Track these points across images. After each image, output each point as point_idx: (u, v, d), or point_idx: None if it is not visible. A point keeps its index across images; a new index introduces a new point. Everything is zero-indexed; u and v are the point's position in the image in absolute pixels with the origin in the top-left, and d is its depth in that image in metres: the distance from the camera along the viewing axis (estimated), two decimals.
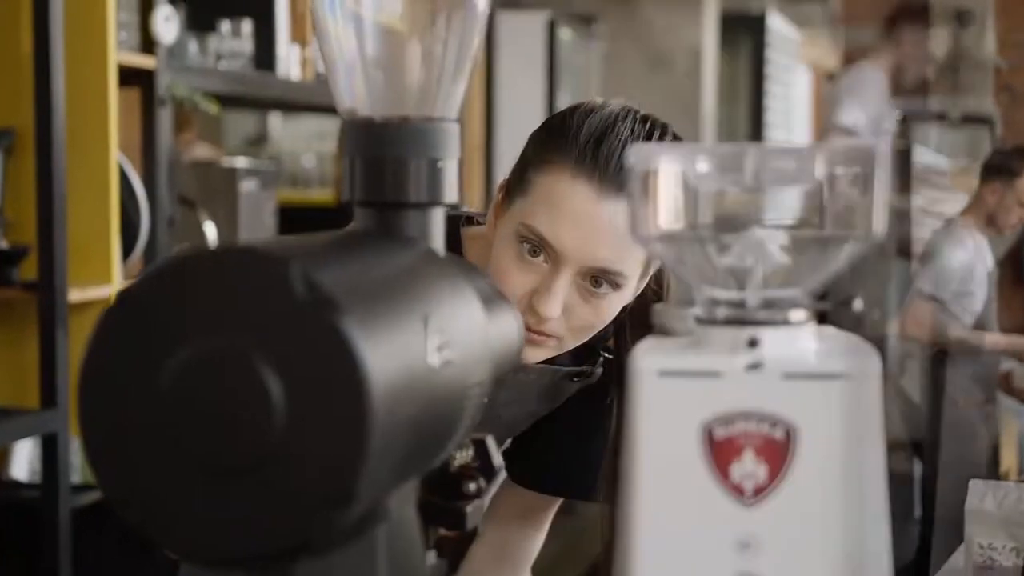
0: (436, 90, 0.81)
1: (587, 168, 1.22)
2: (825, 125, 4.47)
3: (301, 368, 0.60)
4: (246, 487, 0.60)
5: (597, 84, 5.06)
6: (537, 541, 1.52)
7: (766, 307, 0.70)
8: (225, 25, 2.93)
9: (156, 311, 0.61)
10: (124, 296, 0.61)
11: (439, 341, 0.68)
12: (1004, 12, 9.45)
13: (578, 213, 1.21)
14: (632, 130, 1.25)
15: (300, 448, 0.60)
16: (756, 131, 7.29)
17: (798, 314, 0.70)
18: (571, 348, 1.29)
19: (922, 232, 4.09)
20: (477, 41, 0.83)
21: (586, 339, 1.29)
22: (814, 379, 0.66)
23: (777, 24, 7.43)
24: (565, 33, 5.16)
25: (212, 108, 2.64)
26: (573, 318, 1.25)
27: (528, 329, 1.24)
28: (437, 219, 0.81)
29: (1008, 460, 4.03)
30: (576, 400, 1.42)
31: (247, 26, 2.93)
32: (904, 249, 4.23)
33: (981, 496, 1.91)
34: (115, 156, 2.42)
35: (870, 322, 4.10)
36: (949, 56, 8.81)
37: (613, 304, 1.26)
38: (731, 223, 0.71)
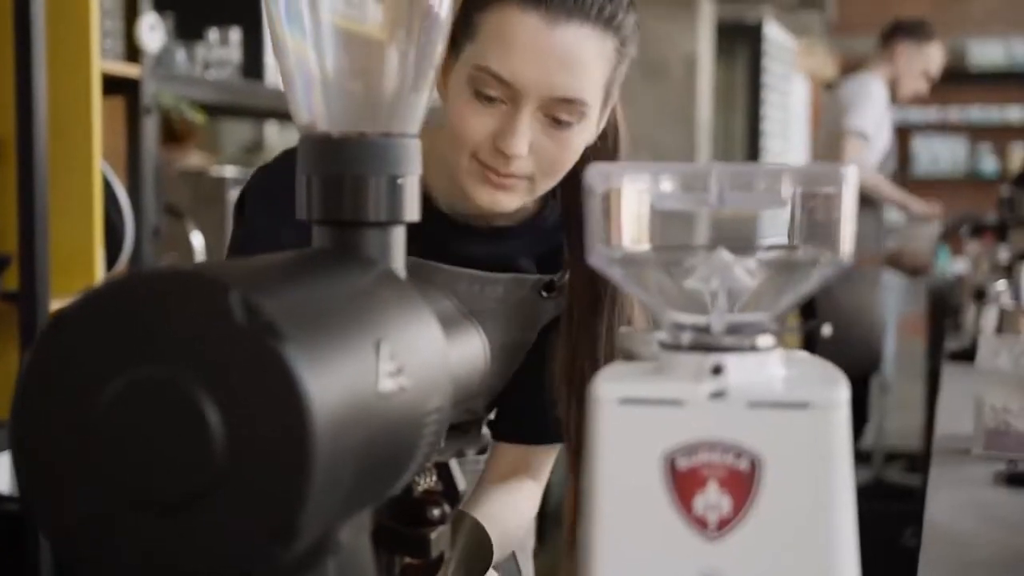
0: (396, 105, 0.78)
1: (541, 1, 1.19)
2: (831, 129, 4.46)
3: (241, 397, 0.57)
4: (184, 520, 0.58)
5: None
6: (536, 496, 1.47)
7: (732, 332, 0.67)
8: (213, 33, 2.91)
9: (92, 335, 0.59)
10: (60, 319, 0.59)
11: (392, 367, 0.66)
12: None
13: (531, 44, 1.18)
14: None
15: (240, 480, 0.57)
16: (753, 140, 7.27)
17: (765, 339, 0.67)
18: (543, 190, 1.27)
19: None
20: (439, 51, 0.81)
21: (556, 179, 1.26)
22: (780, 408, 0.64)
23: (774, 33, 7.41)
24: None
25: (198, 117, 2.62)
26: (540, 155, 1.23)
27: (497, 173, 1.23)
28: (398, 237, 0.79)
29: None
30: (545, 341, 1.40)
31: (235, 34, 2.91)
32: None
33: (994, 352, 1.76)
34: (99, 165, 2.39)
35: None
36: None
37: (578, 137, 1.24)
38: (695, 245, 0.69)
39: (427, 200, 1.33)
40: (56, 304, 2.31)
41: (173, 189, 2.90)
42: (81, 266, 2.36)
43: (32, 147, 2.26)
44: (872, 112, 4.42)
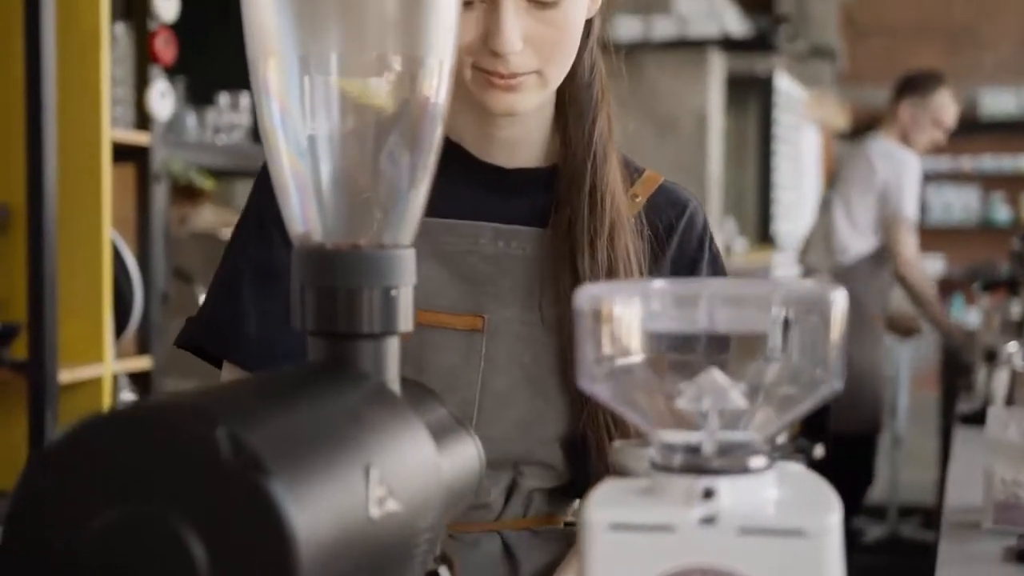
0: (390, 215, 0.79)
1: None
2: (886, 215, 4.39)
3: (227, 534, 0.57)
4: None
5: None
6: None
7: (723, 453, 0.67)
8: (224, 98, 2.93)
9: (78, 472, 0.58)
10: (44, 456, 0.59)
11: (382, 491, 0.65)
12: None
13: None
14: None
15: None
16: (764, 191, 7.28)
17: (757, 461, 0.67)
18: (557, 80, 1.20)
19: None
20: (431, 162, 0.81)
21: (565, 65, 1.20)
22: (772, 535, 0.63)
23: (784, 84, 7.43)
24: None
25: (207, 184, 2.63)
26: (538, 44, 1.17)
27: (501, 76, 1.17)
28: (392, 349, 0.79)
29: None
30: None
31: (245, 99, 2.93)
32: None
33: (1002, 424, 1.73)
34: (108, 233, 2.40)
35: None
36: None
37: (572, 13, 1.18)
38: (688, 363, 0.69)
39: (459, 149, 1.28)
40: (65, 374, 2.31)
41: (184, 251, 2.91)
42: (90, 335, 2.37)
43: (42, 216, 2.27)
44: (917, 192, 4.47)
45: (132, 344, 2.58)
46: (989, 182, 9.90)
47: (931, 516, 5.13)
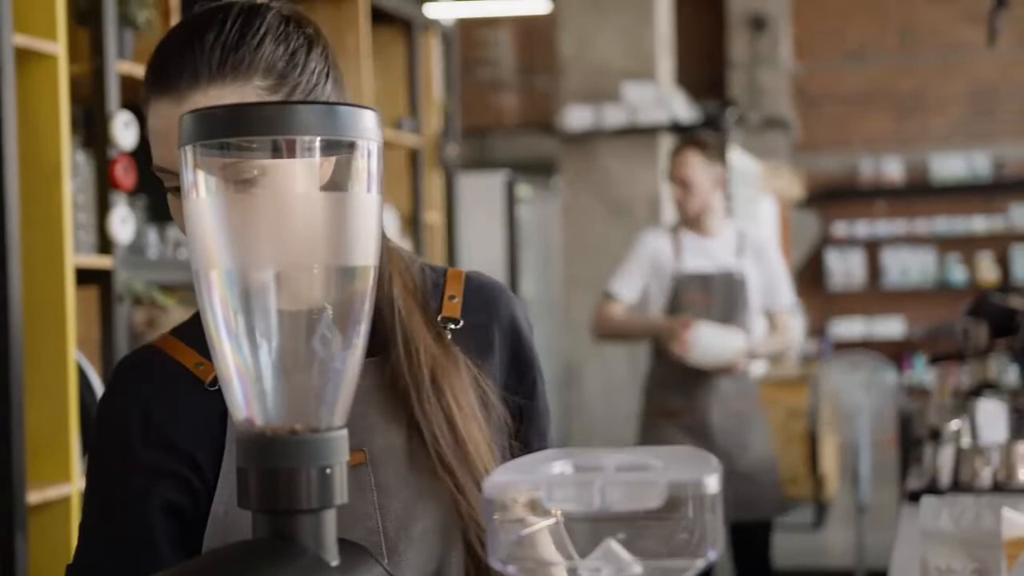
0: (322, 400, 0.88)
1: (160, 84, 1.17)
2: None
3: None
4: None
5: (557, 235, 5.18)
6: None
7: None
8: None
9: None
10: None
11: None
12: (799, 18, 9.72)
13: (162, 127, 1.17)
14: (198, 18, 1.22)
15: None
16: None
17: None
18: None
19: None
20: (361, 347, 0.90)
21: None
22: None
23: (738, 159, 7.59)
24: (524, 189, 5.29)
25: (168, 303, 2.72)
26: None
27: None
28: (329, 521, 0.87)
29: None
30: None
31: None
32: None
33: (935, 513, 1.80)
34: (73, 355, 2.48)
35: None
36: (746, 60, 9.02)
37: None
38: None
39: None
40: (33, 495, 2.37)
41: None
42: (57, 455, 2.44)
43: (8, 341, 2.35)
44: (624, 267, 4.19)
45: None
46: (944, 244, 10.11)
47: None
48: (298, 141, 0.85)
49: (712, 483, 0.74)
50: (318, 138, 0.86)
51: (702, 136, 4.08)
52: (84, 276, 2.59)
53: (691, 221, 3.94)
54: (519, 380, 1.32)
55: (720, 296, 3.95)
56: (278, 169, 0.99)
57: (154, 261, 2.87)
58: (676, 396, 4.02)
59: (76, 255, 2.53)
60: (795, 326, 4.05)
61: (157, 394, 1.25)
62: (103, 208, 2.64)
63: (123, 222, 2.63)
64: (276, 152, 0.87)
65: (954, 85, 10.09)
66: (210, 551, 0.83)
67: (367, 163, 0.88)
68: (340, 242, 0.87)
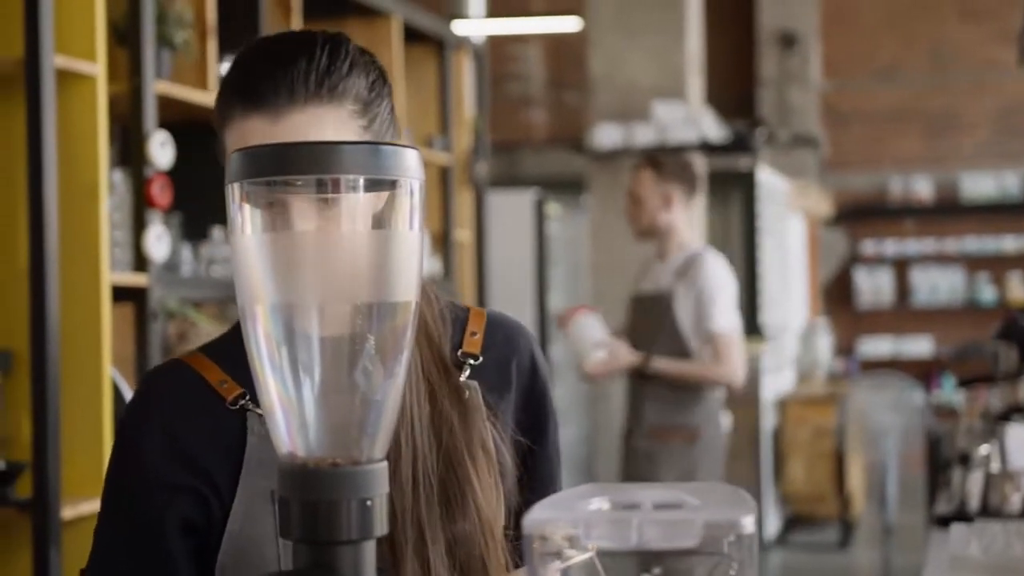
0: (363, 434, 0.89)
1: (251, 101, 1.19)
2: None
3: None
4: None
5: (586, 252, 5.19)
6: None
7: None
8: (217, 232, 3.05)
9: None
10: None
11: None
12: (829, 36, 9.68)
13: (257, 144, 1.14)
14: (283, 41, 1.23)
15: None
16: (751, 283, 7.40)
17: None
18: None
19: None
20: (402, 382, 0.92)
21: None
22: None
23: (766, 177, 7.59)
24: (553, 207, 5.31)
25: (201, 320, 2.75)
26: None
27: None
28: (369, 552, 0.89)
29: None
30: None
31: None
32: None
33: (965, 541, 1.80)
34: (108, 372, 2.51)
35: None
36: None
37: (356, 209, 1.16)
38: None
39: None
40: (67, 510, 2.40)
41: None
42: (92, 471, 2.46)
43: (45, 359, 2.38)
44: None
45: None
46: (973, 263, 10.06)
47: None
48: (343, 180, 0.88)
49: (749, 523, 0.75)
50: (362, 177, 0.88)
51: (660, 156, 4.15)
52: (119, 294, 2.62)
53: (641, 237, 4.03)
54: (532, 421, 1.33)
55: (651, 317, 3.93)
56: (324, 207, 1.00)
57: (188, 279, 2.90)
58: (627, 412, 4.06)
59: (112, 273, 2.56)
60: (734, 354, 3.87)
61: (179, 409, 1.26)
62: (139, 226, 2.67)
63: (158, 240, 2.66)
64: (321, 190, 0.89)
65: (984, 104, 10.05)
66: None
67: (410, 201, 0.90)
68: (383, 278, 0.89)
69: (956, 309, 10.13)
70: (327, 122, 1.19)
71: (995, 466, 3.00)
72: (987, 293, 10.10)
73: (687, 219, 4.01)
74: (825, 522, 6.96)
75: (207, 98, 2.99)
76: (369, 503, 0.88)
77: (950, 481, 3.69)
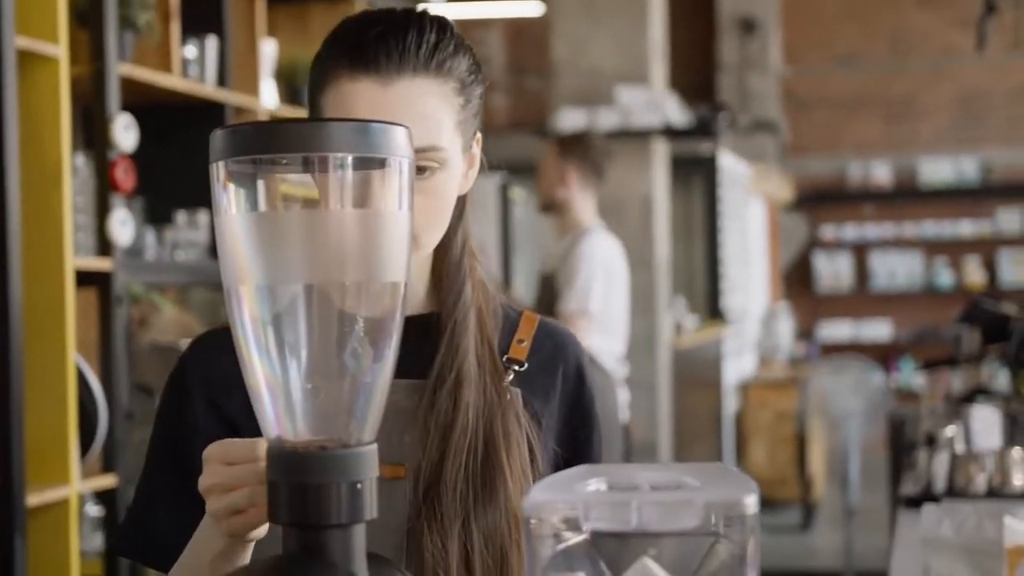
0: (352, 417, 0.88)
1: (361, 63, 1.19)
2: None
3: None
4: None
5: (551, 237, 5.17)
6: None
7: None
8: (181, 216, 3.02)
9: None
10: None
11: None
12: (789, 22, 9.73)
13: (369, 108, 1.19)
14: (392, 13, 1.23)
15: None
16: (712, 267, 7.43)
17: None
18: (432, 244, 1.24)
19: None
20: (391, 365, 0.90)
21: (438, 231, 1.24)
22: None
23: (728, 162, 7.61)
24: (518, 192, 5.29)
25: (165, 305, 2.71)
26: (415, 211, 1.13)
27: None
28: (359, 535, 0.87)
29: None
30: None
31: (203, 216, 3.02)
32: None
33: (937, 521, 1.79)
34: (72, 357, 2.47)
35: None
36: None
37: (445, 184, 1.23)
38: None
39: None
40: (32, 497, 2.37)
41: (144, 365, 2.97)
42: (56, 457, 2.43)
43: (8, 344, 2.34)
44: None
45: (97, 463, 2.64)
46: (931, 248, 10.14)
47: None
48: (330, 158, 0.86)
49: (751, 503, 0.75)
50: (350, 155, 0.86)
51: (566, 136, 4.29)
52: (83, 278, 2.58)
53: (543, 211, 4.16)
54: (574, 431, 1.33)
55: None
56: (311, 185, 0.98)
57: (151, 263, 2.87)
58: None
59: (76, 257, 2.52)
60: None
61: (220, 379, 1.24)
62: (103, 210, 2.63)
63: (122, 224, 2.62)
64: (308, 168, 0.87)
65: (943, 90, 10.12)
66: (241, 567, 0.84)
67: (398, 180, 0.88)
68: (371, 258, 0.87)
69: (914, 293, 10.21)
70: (432, 94, 1.21)
71: (960, 447, 3.02)
72: (944, 277, 10.18)
73: (584, 199, 3.99)
74: (787, 504, 7.00)
75: (170, 80, 2.96)
76: (359, 486, 0.86)
77: (915, 463, 3.71)
